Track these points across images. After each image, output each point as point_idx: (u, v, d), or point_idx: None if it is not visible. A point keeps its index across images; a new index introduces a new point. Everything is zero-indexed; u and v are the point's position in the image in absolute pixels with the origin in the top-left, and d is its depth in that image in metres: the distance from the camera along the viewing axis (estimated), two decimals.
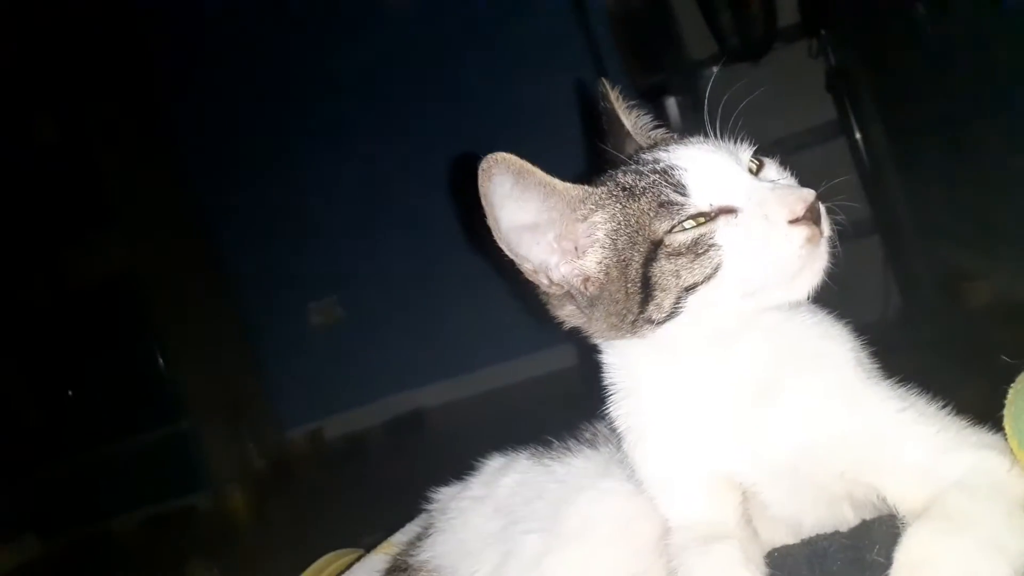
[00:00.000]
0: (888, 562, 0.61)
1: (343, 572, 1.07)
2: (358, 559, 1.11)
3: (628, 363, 0.79)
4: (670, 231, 0.70)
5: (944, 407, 0.73)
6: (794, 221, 0.68)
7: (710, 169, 0.72)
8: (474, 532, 0.86)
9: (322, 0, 4.07)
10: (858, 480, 0.70)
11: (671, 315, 0.71)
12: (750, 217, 0.69)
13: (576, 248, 0.75)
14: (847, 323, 0.85)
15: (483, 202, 0.73)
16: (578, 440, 0.87)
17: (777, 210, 0.68)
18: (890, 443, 0.69)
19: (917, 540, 0.61)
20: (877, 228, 2.53)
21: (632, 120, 0.88)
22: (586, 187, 0.76)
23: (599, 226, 0.74)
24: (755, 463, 0.72)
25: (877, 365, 0.81)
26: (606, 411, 0.81)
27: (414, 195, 4.01)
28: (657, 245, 0.71)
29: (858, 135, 2.44)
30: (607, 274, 0.74)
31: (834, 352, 0.75)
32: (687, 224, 0.70)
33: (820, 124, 2.58)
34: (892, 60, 2.19)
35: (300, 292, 4.25)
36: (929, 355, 2.26)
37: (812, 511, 0.71)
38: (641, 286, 0.71)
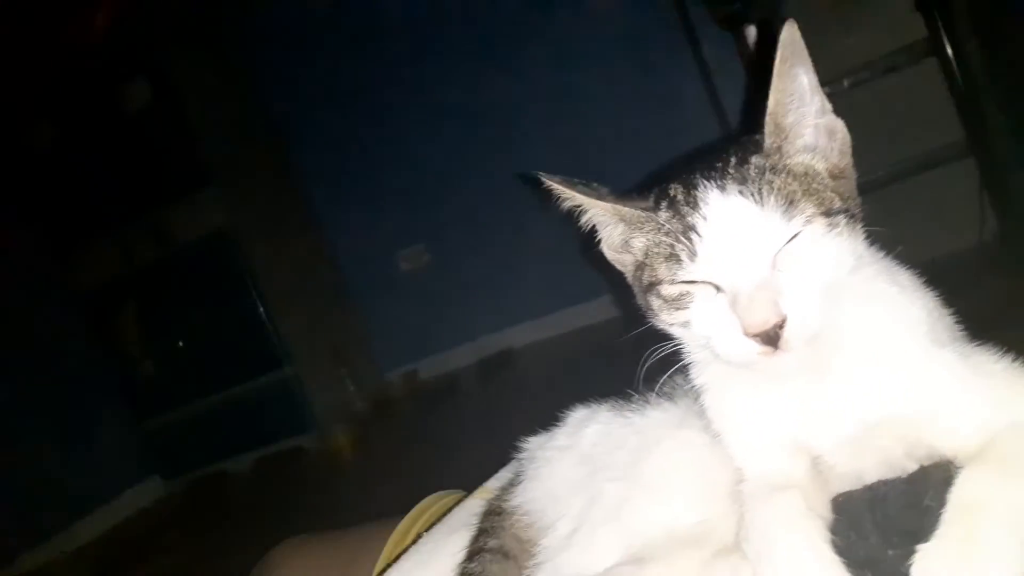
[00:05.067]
0: (942, 506, 0.62)
1: (445, 513, 1.13)
2: (458, 501, 1.17)
3: None
4: (665, 282, 0.76)
5: (1013, 358, 0.73)
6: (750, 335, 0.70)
7: (725, 244, 0.72)
8: (560, 480, 0.90)
9: None
10: (919, 443, 0.71)
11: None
12: (722, 306, 0.72)
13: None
14: (930, 264, 0.83)
15: None
16: (657, 393, 0.91)
17: (737, 317, 0.70)
18: (949, 409, 0.70)
19: (970, 483, 0.62)
20: (972, 151, 2.42)
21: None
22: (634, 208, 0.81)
23: (638, 239, 0.82)
24: (819, 433, 0.74)
25: (954, 315, 0.80)
26: (686, 369, 0.84)
27: (496, 144, 4.04)
28: (655, 284, 0.77)
29: (950, 53, 2.32)
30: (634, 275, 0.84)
31: (897, 326, 0.75)
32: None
33: (910, 43, 2.45)
34: None
35: (389, 241, 4.38)
36: None
37: (875, 470, 0.73)
38: (645, 302, 0.81)
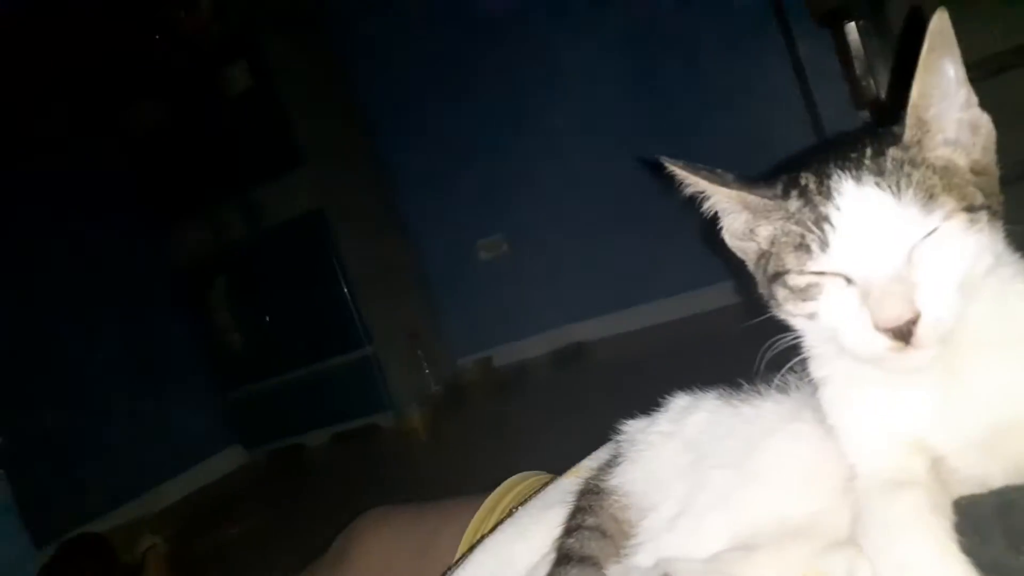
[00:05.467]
0: None
1: (535, 491, 1.14)
2: (545, 482, 1.17)
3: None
4: (794, 272, 0.75)
5: None
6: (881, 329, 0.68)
7: (859, 235, 0.70)
8: (663, 464, 0.90)
9: None
10: None
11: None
12: (852, 299, 0.70)
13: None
14: None
15: None
16: (767, 384, 0.89)
17: (869, 311, 0.68)
18: None
19: None
20: None
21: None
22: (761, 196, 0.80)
23: (764, 228, 0.81)
24: (945, 434, 0.72)
25: None
26: (799, 364, 0.82)
27: (578, 136, 4.03)
28: (781, 273, 0.76)
29: None
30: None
31: None
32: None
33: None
34: None
35: (469, 230, 4.44)
36: None
37: (1001, 476, 0.70)
38: (769, 292, 0.80)
